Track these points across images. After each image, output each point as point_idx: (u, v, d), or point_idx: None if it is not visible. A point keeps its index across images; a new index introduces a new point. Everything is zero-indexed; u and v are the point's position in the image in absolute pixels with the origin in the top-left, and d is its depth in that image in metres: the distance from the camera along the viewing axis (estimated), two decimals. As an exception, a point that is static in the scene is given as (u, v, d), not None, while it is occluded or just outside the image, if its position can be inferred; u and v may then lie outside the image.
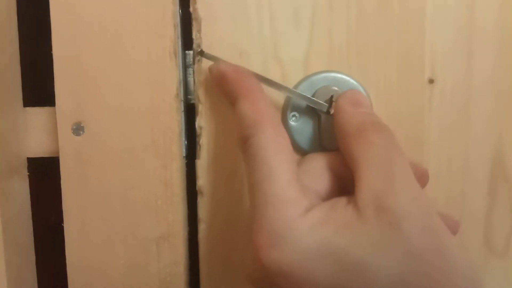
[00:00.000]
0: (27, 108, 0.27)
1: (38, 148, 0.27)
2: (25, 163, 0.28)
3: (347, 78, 0.25)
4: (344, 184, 0.21)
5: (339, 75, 0.25)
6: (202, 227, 0.26)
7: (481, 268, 0.27)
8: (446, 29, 0.26)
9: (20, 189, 0.27)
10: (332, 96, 0.24)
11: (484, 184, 0.27)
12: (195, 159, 0.26)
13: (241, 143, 0.21)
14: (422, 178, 0.21)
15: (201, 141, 0.25)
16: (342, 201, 0.19)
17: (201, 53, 0.24)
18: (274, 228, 0.18)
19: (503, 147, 0.27)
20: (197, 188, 0.26)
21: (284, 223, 0.18)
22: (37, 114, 0.27)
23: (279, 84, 0.24)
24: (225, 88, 0.23)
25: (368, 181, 0.19)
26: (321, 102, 0.24)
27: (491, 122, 0.26)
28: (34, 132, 0.27)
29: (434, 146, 0.27)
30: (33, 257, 0.28)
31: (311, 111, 0.25)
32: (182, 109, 0.26)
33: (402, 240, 0.17)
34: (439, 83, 0.26)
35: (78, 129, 0.24)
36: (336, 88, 0.25)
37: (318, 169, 0.22)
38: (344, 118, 0.22)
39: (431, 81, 0.26)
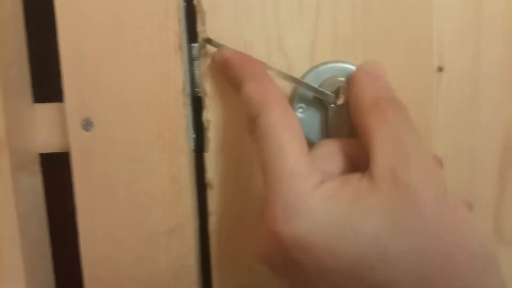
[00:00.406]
0: (37, 104, 0.28)
1: (49, 143, 0.27)
2: (37, 159, 0.28)
3: (354, 68, 0.25)
4: (356, 169, 0.21)
5: (345, 65, 0.25)
6: (212, 220, 0.26)
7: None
8: (453, 16, 0.25)
9: (32, 184, 0.28)
10: (339, 88, 0.24)
11: (493, 172, 0.27)
12: (204, 152, 0.26)
13: (249, 124, 0.21)
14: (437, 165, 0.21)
15: (208, 134, 0.26)
16: (355, 175, 0.19)
17: (208, 41, 0.24)
18: (288, 201, 0.18)
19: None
20: (206, 181, 0.26)
21: (298, 196, 0.18)
22: (47, 110, 0.27)
23: (285, 74, 0.24)
24: (230, 73, 0.23)
25: (383, 155, 0.19)
26: (327, 92, 0.24)
27: (499, 109, 0.26)
28: (44, 128, 0.27)
29: (442, 135, 0.26)
30: (48, 249, 0.29)
31: (317, 102, 0.25)
32: (189, 103, 0.26)
33: (417, 211, 0.17)
34: (447, 71, 0.26)
35: (87, 125, 0.25)
36: (342, 79, 0.24)
37: (330, 153, 0.22)
38: (360, 91, 0.22)
39: (440, 69, 0.26)
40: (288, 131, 0.20)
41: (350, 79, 0.23)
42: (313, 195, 0.18)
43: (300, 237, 0.18)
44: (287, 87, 0.25)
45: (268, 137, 0.19)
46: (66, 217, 0.28)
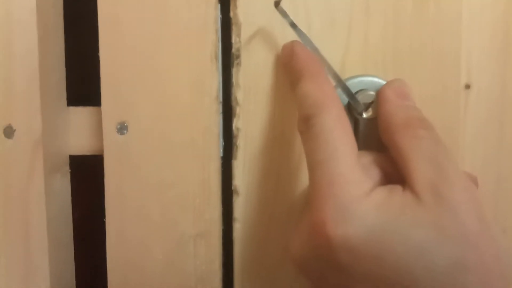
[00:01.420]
0: (71, 107, 0.28)
1: (80, 146, 0.28)
2: (67, 161, 0.29)
3: (383, 82, 0.26)
4: (389, 182, 0.22)
5: (375, 79, 0.25)
6: (237, 226, 0.27)
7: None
8: (482, 34, 0.26)
9: (62, 186, 0.28)
10: (371, 102, 0.25)
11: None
12: (232, 159, 0.26)
13: (302, 122, 0.21)
14: (473, 183, 0.21)
15: (237, 142, 0.26)
16: (398, 187, 0.20)
17: (277, 4, 0.24)
18: (340, 205, 0.18)
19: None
20: (232, 188, 0.26)
21: (351, 200, 0.18)
22: (80, 113, 0.28)
23: (332, 69, 0.24)
24: (292, 66, 0.23)
25: (422, 171, 0.19)
26: (359, 102, 0.24)
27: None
28: (77, 131, 0.28)
29: (469, 152, 0.27)
30: (72, 252, 0.29)
31: (348, 114, 0.25)
32: (220, 110, 0.26)
33: (460, 225, 0.18)
34: (475, 88, 0.26)
35: (122, 128, 0.25)
36: (372, 93, 0.25)
37: (367, 164, 0.22)
38: (390, 109, 0.22)
39: (467, 87, 0.26)
40: (343, 135, 0.20)
41: (378, 95, 0.24)
42: (365, 201, 0.19)
43: (350, 240, 0.18)
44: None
45: (322, 138, 0.20)
46: (93, 220, 0.28)
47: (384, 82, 0.26)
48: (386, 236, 0.18)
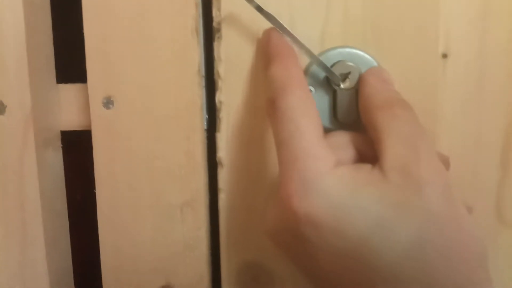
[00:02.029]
0: (60, 84, 0.29)
1: (71, 122, 0.29)
2: (59, 136, 0.30)
3: (362, 53, 0.26)
4: (363, 161, 0.22)
5: (354, 50, 0.26)
6: (221, 196, 0.28)
7: (493, 239, 0.28)
8: (460, 4, 0.26)
9: (54, 159, 0.29)
10: (348, 72, 0.25)
11: (496, 156, 0.27)
12: (216, 132, 0.27)
13: (268, 105, 0.22)
14: (444, 164, 0.21)
15: (220, 115, 0.27)
16: (366, 165, 0.20)
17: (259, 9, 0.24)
18: (304, 179, 0.19)
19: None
20: (217, 160, 0.27)
21: (314, 175, 0.19)
22: (69, 90, 0.29)
23: (305, 47, 0.24)
24: (265, 50, 0.24)
25: (394, 149, 0.20)
26: (336, 74, 0.25)
27: (504, 96, 0.27)
28: (66, 107, 0.29)
29: (447, 119, 0.27)
30: (66, 222, 0.31)
31: (326, 85, 0.26)
32: (203, 84, 0.27)
33: (423, 204, 0.19)
34: (453, 57, 0.27)
35: (108, 103, 0.26)
36: (351, 64, 0.26)
37: (342, 143, 0.23)
38: (371, 92, 0.23)
39: (444, 56, 0.27)
40: (305, 114, 0.21)
41: (360, 80, 0.25)
42: (327, 175, 0.19)
43: (313, 213, 0.19)
44: (297, 70, 0.26)
45: (286, 118, 0.21)
46: (86, 192, 0.30)
47: (362, 53, 0.26)
48: (348, 210, 0.19)
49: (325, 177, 0.19)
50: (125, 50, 0.26)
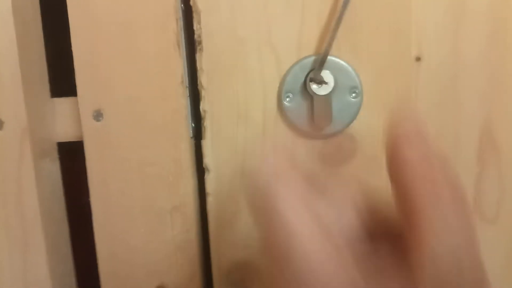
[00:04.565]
0: (55, 98, 0.31)
1: (66, 133, 0.31)
2: (55, 147, 0.31)
3: (337, 60, 0.27)
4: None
5: (328, 58, 0.27)
6: (209, 200, 0.29)
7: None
8: (432, 8, 0.27)
9: (51, 169, 0.31)
10: (324, 80, 0.26)
11: (472, 155, 0.28)
12: (202, 139, 0.29)
13: None
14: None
15: (205, 123, 0.28)
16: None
17: None
18: None
19: (491, 117, 0.28)
20: (203, 166, 0.29)
21: None
22: (64, 103, 0.30)
23: None
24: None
25: (437, 261, 0.15)
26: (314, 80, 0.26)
27: (479, 97, 0.28)
28: (61, 120, 0.31)
29: (425, 117, 0.28)
30: (66, 227, 0.32)
31: (304, 92, 0.27)
32: (187, 94, 0.28)
33: None
34: (426, 60, 0.27)
35: (98, 116, 0.28)
36: (326, 71, 0.27)
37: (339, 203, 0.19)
38: (413, 178, 0.17)
39: (417, 59, 0.27)
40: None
41: (392, 147, 0.17)
42: None
43: None
44: (276, 77, 0.27)
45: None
46: (85, 200, 0.31)
47: (337, 60, 0.27)
48: None
49: None
50: (112, 64, 0.27)
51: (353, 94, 0.27)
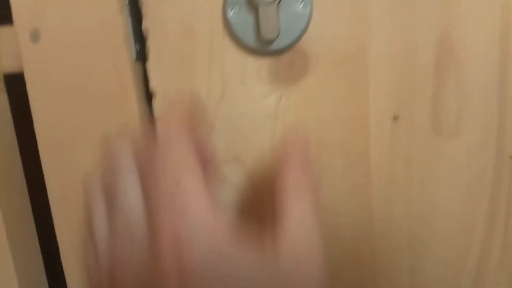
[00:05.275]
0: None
1: (10, 64, 0.29)
2: (1, 78, 0.30)
3: (282, -34, 0.25)
4: None
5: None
6: (158, 125, 0.28)
7: (431, 150, 0.28)
8: None
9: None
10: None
11: (430, 68, 0.27)
12: (146, 61, 0.27)
13: None
14: None
15: (148, 43, 0.27)
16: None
17: None
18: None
19: (450, 24, 0.26)
20: (150, 90, 0.28)
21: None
22: (5, 33, 0.29)
23: None
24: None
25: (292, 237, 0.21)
26: None
27: (435, 5, 0.26)
28: (4, 50, 0.29)
29: (379, 31, 0.27)
30: (17, 152, 0.32)
31: (248, 3, 0.26)
32: (128, 12, 0.27)
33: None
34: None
35: (35, 37, 0.26)
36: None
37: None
38: (287, 172, 0.23)
39: None
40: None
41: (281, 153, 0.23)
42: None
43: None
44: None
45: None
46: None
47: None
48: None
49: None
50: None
51: (301, 4, 0.26)
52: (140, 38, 0.28)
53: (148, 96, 0.29)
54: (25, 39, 0.27)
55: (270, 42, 0.26)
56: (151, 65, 0.27)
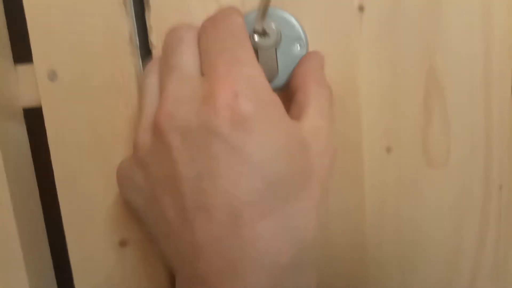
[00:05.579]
0: (18, 65, 0.32)
1: (29, 99, 0.32)
2: (21, 112, 0.33)
3: (280, 12, 0.28)
4: None
5: (273, 10, 0.27)
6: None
7: (422, 180, 0.29)
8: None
9: (18, 132, 0.32)
10: (268, 32, 0.27)
11: (419, 101, 0.29)
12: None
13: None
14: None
15: (157, 81, 0.29)
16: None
17: None
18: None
19: (435, 61, 0.28)
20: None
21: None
22: (26, 70, 0.31)
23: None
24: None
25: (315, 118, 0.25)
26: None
27: (421, 39, 0.28)
28: (25, 86, 0.32)
29: (367, 71, 0.29)
30: (35, 185, 0.34)
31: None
32: (138, 53, 0.29)
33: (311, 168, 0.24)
34: (368, 9, 0.28)
35: (52, 76, 0.29)
36: (271, 23, 0.27)
37: None
38: (309, 70, 0.27)
39: (361, 9, 0.28)
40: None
41: (304, 58, 0.28)
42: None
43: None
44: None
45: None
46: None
47: (281, 12, 0.28)
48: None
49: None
50: (63, 25, 0.28)
51: (298, 46, 0.28)
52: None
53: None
54: (43, 78, 0.29)
55: (270, 81, 0.28)
56: (159, 101, 0.29)
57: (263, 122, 0.21)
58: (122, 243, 0.31)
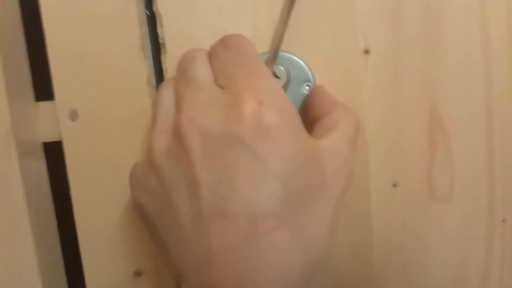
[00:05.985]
0: (39, 102, 0.34)
1: (50, 134, 0.33)
2: (41, 147, 0.34)
3: (289, 55, 0.29)
4: None
5: (281, 53, 0.29)
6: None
7: (427, 214, 0.30)
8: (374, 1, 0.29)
9: (37, 167, 0.34)
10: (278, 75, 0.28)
11: (423, 138, 0.30)
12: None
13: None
14: None
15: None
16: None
17: None
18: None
19: (437, 99, 0.29)
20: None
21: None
22: (47, 106, 0.33)
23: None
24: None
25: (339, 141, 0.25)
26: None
27: (423, 78, 0.29)
28: (45, 121, 0.33)
29: (372, 107, 0.30)
30: (53, 219, 0.35)
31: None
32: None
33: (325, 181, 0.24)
34: (373, 52, 0.29)
35: (73, 116, 0.30)
36: (280, 67, 0.29)
37: None
38: (328, 97, 0.29)
39: (366, 52, 0.29)
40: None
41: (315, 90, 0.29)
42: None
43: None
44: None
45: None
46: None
47: (289, 55, 0.29)
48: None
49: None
50: (84, 68, 0.30)
51: (306, 87, 0.29)
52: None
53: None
54: (65, 117, 0.31)
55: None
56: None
57: (286, 132, 0.21)
58: (137, 273, 0.32)
